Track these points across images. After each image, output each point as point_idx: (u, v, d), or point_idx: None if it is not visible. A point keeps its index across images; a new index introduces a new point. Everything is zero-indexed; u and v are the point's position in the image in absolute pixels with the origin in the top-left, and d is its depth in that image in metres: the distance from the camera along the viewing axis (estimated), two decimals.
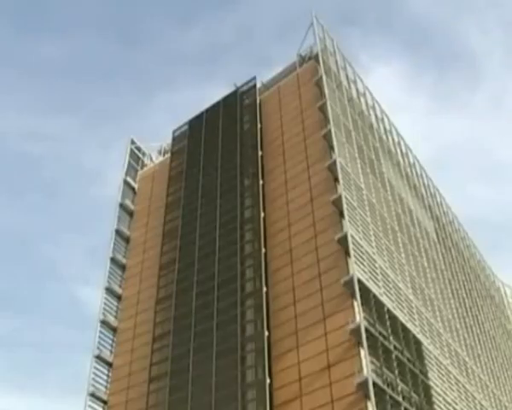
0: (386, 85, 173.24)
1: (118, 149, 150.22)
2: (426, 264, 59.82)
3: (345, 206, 44.87)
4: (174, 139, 66.03)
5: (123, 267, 59.96)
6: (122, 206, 64.00)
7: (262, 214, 50.05)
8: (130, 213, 64.25)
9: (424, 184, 74.69)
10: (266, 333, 42.82)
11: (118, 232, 61.89)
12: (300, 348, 41.17)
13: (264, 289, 45.19)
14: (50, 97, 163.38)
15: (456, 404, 51.19)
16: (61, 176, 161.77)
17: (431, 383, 46.90)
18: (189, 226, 54.90)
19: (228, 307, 46.06)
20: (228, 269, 48.27)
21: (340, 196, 45.56)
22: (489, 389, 63.71)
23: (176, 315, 49.33)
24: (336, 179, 47.20)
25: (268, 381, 40.59)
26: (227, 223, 51.63)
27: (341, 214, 44.95)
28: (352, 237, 43.47)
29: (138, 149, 70.69)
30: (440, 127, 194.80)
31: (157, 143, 72.30)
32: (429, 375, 47.37)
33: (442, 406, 47.26)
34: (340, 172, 47.12)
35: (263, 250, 47.57)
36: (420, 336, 48.58)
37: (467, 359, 59.75)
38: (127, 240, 62.10)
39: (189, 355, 45.63)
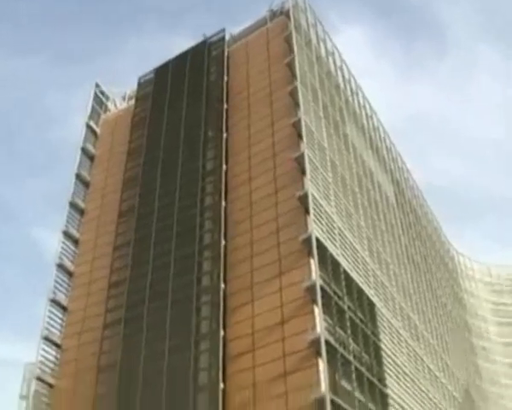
0: (355, 48, 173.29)
1: (82, 93, 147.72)
2: (384, 227, 60.42)
3: (307, 164, 44.75)
4: (139, 86, 64.73)
5: (82, 212, 59.16)
6: (83, 150, 62.84)
7: (224, 167, 49.67)
8: (91, 158, 63.17)
9: (387, 148, 75.03)
10: (222, 285, 42.85)
11: (78, 177, 60.87)
12: (255, 302, 41.31)
13: (223, 241, 45.05)
14: (15, 38, 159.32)
15: (405, 366, 52.33)
16: (22, 118, 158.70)
17: (382, 345, 47.73)
18: (149, 174, 54.25)
19: (185, 258, 45.87)
20: (187, 220, 47.97)
21: (302, 154, 45.40)
22: (437, 354, 65.24)
23: (133, 262, 49.06)
24: (300, 137, 46.95)
25: (222, 333, 40.75)
26: (188, 173, 51.13)
27: (303, 172, 44.83)
28: (313, 195, 43.48)
29: (102, 93, 69.18)
30: (406, 95, 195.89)
31: (122, 88, 71.00)
32: (381, 337, 48.17)
33: (391, 367, 48.23)
34: (304, 129, 46.87)
35: (223, 203, 47.26)
36: (374, 299, 49.28)
37: (418, 323, 60.92)
38: (87, 185, 61.18)
39: (145, 303, 45.54)
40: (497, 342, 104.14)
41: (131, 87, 67.68)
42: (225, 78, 57.13)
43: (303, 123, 47.23)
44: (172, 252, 46.86)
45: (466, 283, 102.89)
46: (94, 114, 66.41)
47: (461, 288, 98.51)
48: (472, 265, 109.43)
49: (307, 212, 42.61)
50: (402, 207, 72.28)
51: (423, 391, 55.66)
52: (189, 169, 51.42)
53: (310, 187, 43.53)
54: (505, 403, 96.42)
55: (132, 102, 65.77)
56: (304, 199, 43.20)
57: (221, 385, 38.72)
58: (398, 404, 47.38)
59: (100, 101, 68.54)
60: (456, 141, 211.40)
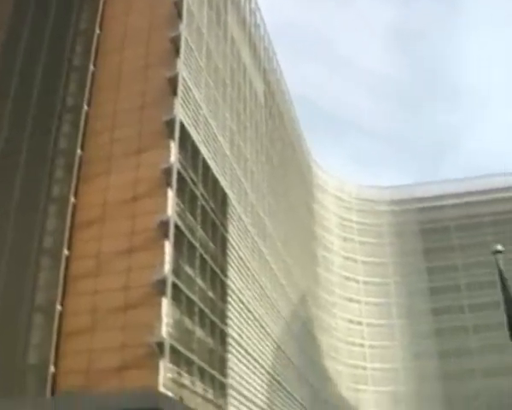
0: None
1: None
2: (248, 124, 60.72)
3: (182, 45, 43.47)
4: None
5: None
6: None
7: (97, 31, 47.11)
8: None
9: (264, 47, 74.58)
10: (79, 151, 41.45)
11: None
12: (111, 175, 40.38)
13: (85, 107, 43.29)
14: None
15: (249, 262, 53.95)
16: None
17: (229, 237, 48.74)
18: (17, 22, 50.39)
19: (44, 117, 43.70)
20: (51, 78, 45.40)
21: (179, 34, 43.95)
22: (281, 256, 67.71)
23: None
24: (179, 15, 45.34)
25: (72, 199, 39.70)
26: (58, 29, 48.06)
27: (177, 53, 43.55)
28: (183, 78, 42.58)
29: None
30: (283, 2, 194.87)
31: None
32: (229, 229, 49.12)
33: (234, 258, 49.53)
34: (184, 9, 45.27)
35: (91, 67, 45.02)
36: (228, 191, 49.88)
37: (267, 223, 62.63)
38: None
39: None
40: (338, 255, 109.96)
41: None
42: None
43: (184, 3, 45.54)
44: (31, 110, 44.43)
45: (319, 194, 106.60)
46: None
47: (313, 198, 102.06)
48: (327, 178, 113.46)
49: (175, 94, 41.65)
50: (270, 108, 72.83)
51: (263, 288, 57.88)
52: (59, 25, 48.16)
53: (182, 69, 42.52)
54: (336, 312, 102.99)
55: None
56: (173, 80, 42.11)
57: (65, 251, 38.03)
58: (237, 296, 49.03)
59: None
60: (331, 57, 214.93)
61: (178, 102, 41.15)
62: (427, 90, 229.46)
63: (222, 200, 48.23)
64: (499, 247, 34.28)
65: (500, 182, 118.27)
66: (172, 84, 42.15)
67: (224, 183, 48.98)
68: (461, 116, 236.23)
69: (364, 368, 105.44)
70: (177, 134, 39.83)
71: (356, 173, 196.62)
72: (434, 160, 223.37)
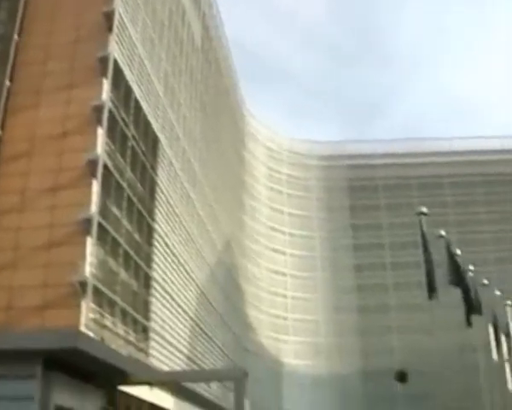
0: None
1: None
2: (184, 68, 59.78)
3: None
4: None
5: None
6: None
7: None
8: None
9: None
10: (8, 83, 39.86)
11: None
12: (40, 109, 38.96)
13: (16, 37, 41.50)
14: None
15: (177, 207, 53.68)
16: None
17: (158, 181, 48.28)
18: None
19: None
20: None
21: None
22: (209, 202, 67.67)
23: None
24: None
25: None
26: None
27: None
28: (120, 14, 41.31)
29: None
30: None
31: None
32: (158, 172, 48.60)
33: (162, 202, 49.20)
34: None
35: None
36: (159, 134, 49.21)
37: (197, 169, 62.31)
38: None
39: None
40: (265, 206, 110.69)
41: None
42: None
43: None
44: None
45: (250, 144, 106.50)
46: None
47: (244, 147, 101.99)
48: (259, 128, 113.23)
49: (110, 30, 40.38)
50: (206, 54, 71.79)
51: (189, 234, 57.84)
52: None
53: (118, 5, 41.19)
54: (261, 262, 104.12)
55: None
56: (110, 16, 40.69)
57: None
58: (163, 240, 48.85)
59: None
60: (271, 10, 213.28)
61: (113, 39, 39.98)
62: (361, 49, 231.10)
63: (153, 143, 47.57)
64: (424, 209, 35.23)
65: (429, 146, 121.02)
66: (108, 19, 40.83)
67: (155, 126, 48.26)
68: (393, 77, 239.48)
69: (286, 318, 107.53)
70: (110, 72, 38.75)
71: (289, 126, 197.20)
72: (367, 118, 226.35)
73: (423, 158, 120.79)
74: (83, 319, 32.10)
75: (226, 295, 74.82)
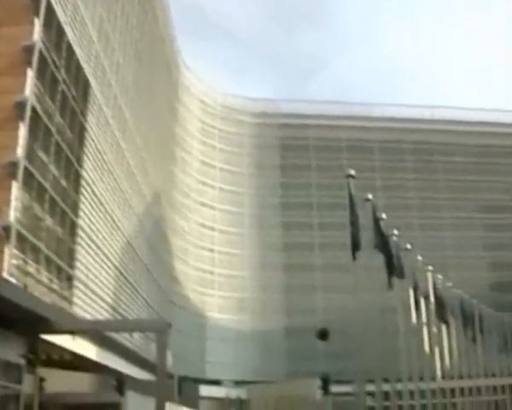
0: None
1: None
2: (119, 14, 58.34)
3: None
4: None
5: None
6: None
7: None
8: None
9: None
10: None
11: None
12: None
13: None
14: None
15: (106, 154, 52.71)
16: None
17: (88, 127, 47.21)
18: None
19: None
20: None
21: None
22: (140, 152, 66.75)
23: None
24: None
25: None
26: None
27: None
28: None
29: None
30: None
31: None
32: (88, 119, 47.52)
33: (91, 150, 48.26)
34: None
35: None
36: (91, 79, 47.90)
37: (128, 117, 61.20)
38: None
39: None
40: (196, 159, 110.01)
41: None
42: None
43: None
44: None
45: (184, 96, 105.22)
46: None
47: (178, 99, 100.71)
48: (194, 81, 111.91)
49: None
50: (144, 1, 70.17)
51: (117, 183, 56.98)
52: None
53: None
54: (189, 215, 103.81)
55: None
56: None
57: None
58: (91, 188, 47.98)
59: None
60: None
61: None
62: (300, 12, 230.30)
63: (84, 88, 46.28)
64: (352, 172, 35.65)
65: (362, 111, 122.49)
66: None
67: (87, 70, 46.91)
68: (330, 41, 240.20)
69: (212, 273, 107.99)
70: (42, 11, 37.37)
71: (225, 82, 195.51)
72: (302, 80, 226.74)
73: (355, 122, 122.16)
74: (5, 265, 31.38)
75: (153, 247, 74.42)
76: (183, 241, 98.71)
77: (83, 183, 45.82)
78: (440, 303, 54.23)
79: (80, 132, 45.37)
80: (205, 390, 77.02)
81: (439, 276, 60.62)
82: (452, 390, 56.74)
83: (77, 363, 38.08)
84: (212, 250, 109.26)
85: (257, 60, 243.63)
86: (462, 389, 59.83)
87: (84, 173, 45.91)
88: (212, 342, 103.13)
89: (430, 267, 54.11)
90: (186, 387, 49.99)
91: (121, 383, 38.85)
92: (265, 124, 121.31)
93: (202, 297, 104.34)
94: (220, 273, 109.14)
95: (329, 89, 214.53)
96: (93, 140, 48.49)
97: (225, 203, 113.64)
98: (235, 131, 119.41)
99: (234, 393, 51.15)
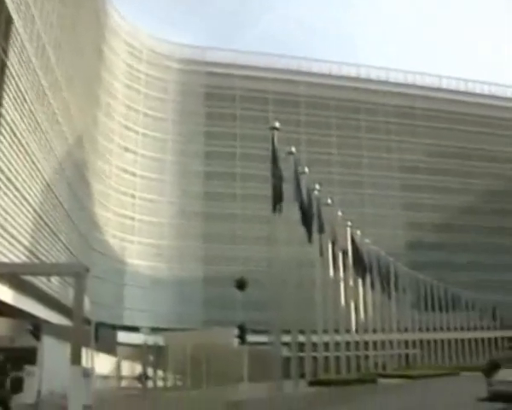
0: None
1: None
2: None
3: None
4: None
5: None
6: None
7: None
8: None
9: None
10: None
11: None
12: None
13: None
14: None
15: (27, 94, 50.79)
16: None
17: (9, 63, 45.40)
18: None
19: None
20: None
21: None
22: (63, 93, 64.76)
23: None
24: None
25: None
26: None
27: None
28: None
29: None
30: None
31: None
32: (9, 55, 45.65)
33: (12, 88, 46.49)
34: None
35: None
36: (13, 14, 45.81)
37: (51, 56, 59.16)
38: None
39: None
40: (121, 103, 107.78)
41: None
42: None
43: None
44: None
45: (110, 38, 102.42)
46: None
47: (104, 41, 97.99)
48: (122, 23, 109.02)
49: None
50: None
51: (38, 123, 55.14)
52: None
53: None
54: (112, 160, 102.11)
55: None
56: None
57: None
58: (10, 128, 46.36)
59: None
60: None
61: None
62: None
63: (6, 23, 44.28)
64: (276, 124, 35.86)
65: (290, 64, 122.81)
66: None
67: (10, 5, 44.87)
68: None
69: (133, 219, 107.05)
70: None
71: (153, 26, 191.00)
72: (231, 29, 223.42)
73: (282, 75, 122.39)
74: None
75: (73, 191, 72.84)
76: (104, 186, 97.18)
77: (2, 122, 44.24)
78: (358, 259, 55.79)
79: (1, 70, 43.61)
80: (122, 337, 76.91)
81: (358, 232, 62.24)
82: (366, 343, 58.72)
83: None
84: (133, 196, 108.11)
85: (187, 6, 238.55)
86: (375, 343, 62.05)
87: (3, 111, 44.31)
88: (131, 288, 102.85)
89: (349, 223, 55.40)
90: (103, 333, 49.69)
91: (38, 327, 38.25)
92: (192, 71, 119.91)
93: (122, 243, 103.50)
94: (140, 220, 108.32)
95: (258, 41, 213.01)
96: (14, 78, 46.68)
97: (148, 149, 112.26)
98: (161, 76, 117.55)
99: (151, 340, 51.44)
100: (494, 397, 12.27)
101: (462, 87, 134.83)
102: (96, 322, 33.48)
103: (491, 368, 36.56)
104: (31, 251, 52.58)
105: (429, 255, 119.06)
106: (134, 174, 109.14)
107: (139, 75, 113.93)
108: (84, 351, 28.49)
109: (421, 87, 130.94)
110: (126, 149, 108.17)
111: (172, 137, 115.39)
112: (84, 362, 29.40)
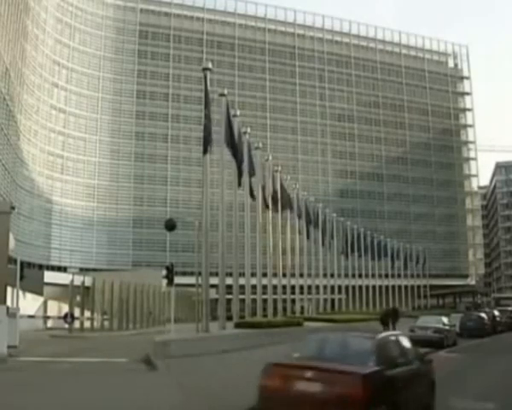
0: None
1: None
2: None
3: None
4: None
5: None
6: None
7: None
8: None
9: None
10: None
11: None
12: None
13: None
14: None
15: None
16: None
17: None
18: None
19: None
20: None
21: None
22: None
23: None
24: None
25: None
26: None
27: None
28: None
29: None
30: None
31: None
32: None
33: None
34: None
35: None
36: None
37: None
38: None
39: None
40: (51, 37, 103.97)
41: None
42: None
43: None
44: None
45: None
46: None
47: None
48: None
49: None
50: None
51: None
52: None
53: None
54: (40, 95, 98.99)
55: None
56: None
57: None
58: None
59: None
60: None
61: None
62: None
63: None
64: (209, 65, 35.52)
65: (227, 5, 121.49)
66: None
67: None
68: None
69: (62, 157, 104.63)
70: None
71: None
72: None
73: (219, 16, 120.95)
74: None
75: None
76: (32, 122, 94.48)
77: None
78: (287, 204, 56.40)
79: None
80: (49, 277, 75.95)
81: (288, 177, 62.88)
82: (293, 287, 59.86)
83: None
84: (62, 133, 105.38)
85: None
86: (301, 287, 63.29)
87: None
88: (59, 228, 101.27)
89: (279, 168, 55.84)
90: (30, 273, 49.02)
91: None
92: (126, 7, 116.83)
93: (50, 182, 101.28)
94: (70, 158, 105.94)
95: None
96: None
97: (79, 85, 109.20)
98: (94, 11, 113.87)
99: (79, 280, 51.08)
100: (414, 343, 12.90)
101: (397, 39, 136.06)
102: (21, 261, 33.05)
103: (387, 317, 39.14)
104: None
105: (358, 203, 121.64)
106: (64, 111, 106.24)
107: (71, 8, 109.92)
108: (8, 290, 28.12)
109: (358, 36, 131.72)
110: (56, 85, 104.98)
111: (104, 74, 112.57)
112: (9, 302, 29.11)
